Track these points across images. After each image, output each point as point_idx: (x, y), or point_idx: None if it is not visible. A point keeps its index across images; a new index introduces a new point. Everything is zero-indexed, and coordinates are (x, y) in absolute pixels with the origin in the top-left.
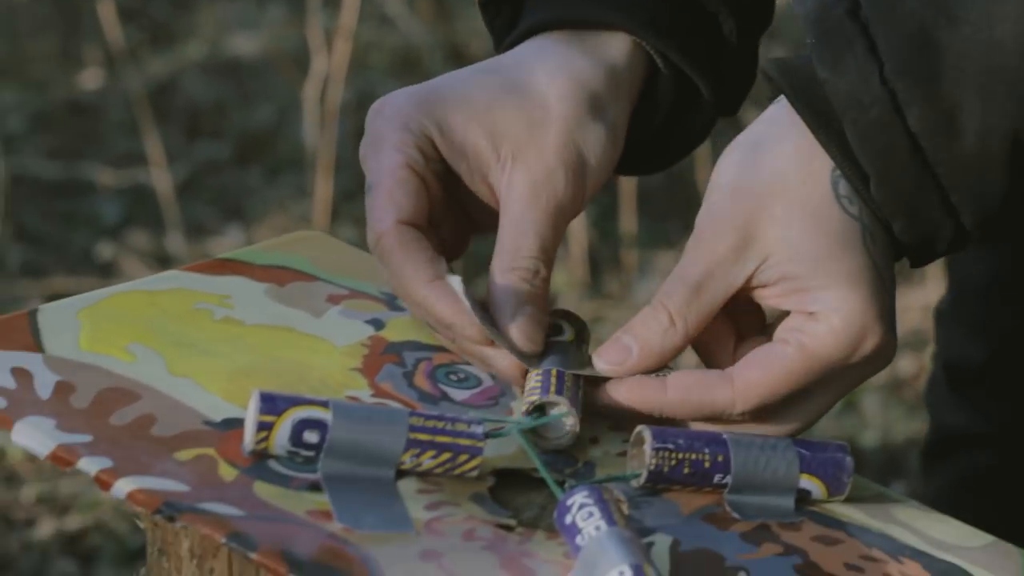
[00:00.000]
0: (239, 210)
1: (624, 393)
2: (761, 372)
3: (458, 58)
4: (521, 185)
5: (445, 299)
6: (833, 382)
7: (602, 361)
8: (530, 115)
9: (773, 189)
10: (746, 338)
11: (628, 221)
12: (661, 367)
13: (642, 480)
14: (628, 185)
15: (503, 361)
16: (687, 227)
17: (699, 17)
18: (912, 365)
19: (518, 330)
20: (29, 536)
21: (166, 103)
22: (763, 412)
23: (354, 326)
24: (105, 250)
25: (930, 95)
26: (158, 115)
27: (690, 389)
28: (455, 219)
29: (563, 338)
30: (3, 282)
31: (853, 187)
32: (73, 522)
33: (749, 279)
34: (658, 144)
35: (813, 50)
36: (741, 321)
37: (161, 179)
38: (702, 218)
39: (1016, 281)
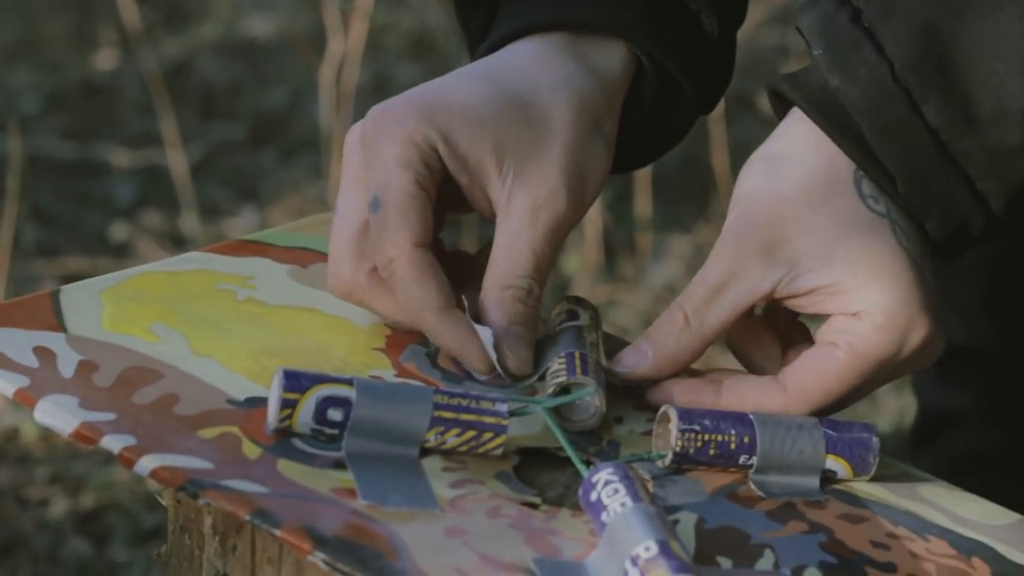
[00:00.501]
0: (254, 191)
1: (678, 397)
2: (814, 376)
3: None
4: (521, 202)
5: (455, 330)
6: (882, 377)
7: (619, 366)
8: (534, 131)
9: (797, 196)
10: (792, 347)
11: (643, 205)
12: (680, 369)
13: (667, 461)
14: (643, 169)
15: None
16: (701, 211)
17: (682, 16)
18: None
19: (509, 351)
20: (43, 515)
21: (181, 84)
22: (815, 412)
23: None
24: (119, 231)
25: (943, 87)
26: (173, 96)
27: (744, 394)
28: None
29: (579, 323)
30: (18, 262)
31: (879, 187)
32: (87, 501)
33: (776, 286)
34: (635, 142)
35: (822, 60)
36: (786, 333)
37: (176, 160)
38: (727, 228)
39: (996, 260)
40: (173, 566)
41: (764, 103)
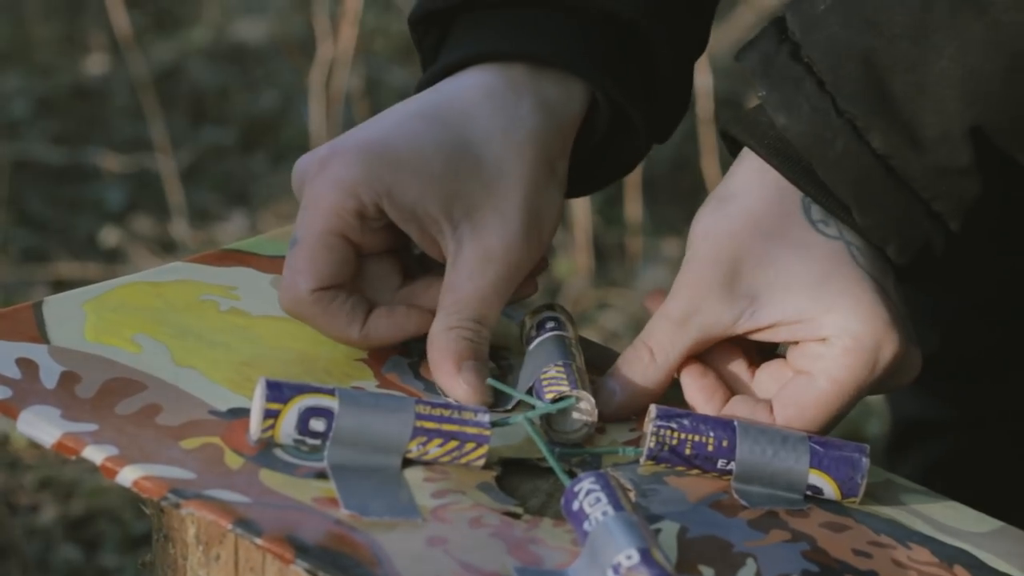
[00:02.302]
0: (244, 196)
1: None
2: (798, 410)
3: None
4: (471, 252)
5: (379, 346)
6: (862, 394)
7: (590, 405)
8: (487, 180)
9: (751, 231)
10: (761, 361)
11: (633, 208)
12: (648, 403)
13: (643, 458)
14: (633, 173)
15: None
16: (692, 214)
17: (638, 49)
18: None
19: (462, 383)
20: (33, 521)
21: (171, 88)
22: None
23: None
24: (109, 235)
25: (887, 114)
26: (163, 100)
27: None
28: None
29: (567, 334)
30: (7, 267)
31: (835, 215)
32: (77, 507)
33: (738, 321)
34: (588, 168)
35: (766, 100)
36: (753, 347)
37: (166, 164)
38: (685, 264)
39: (964, 266)
40: (158, 575)
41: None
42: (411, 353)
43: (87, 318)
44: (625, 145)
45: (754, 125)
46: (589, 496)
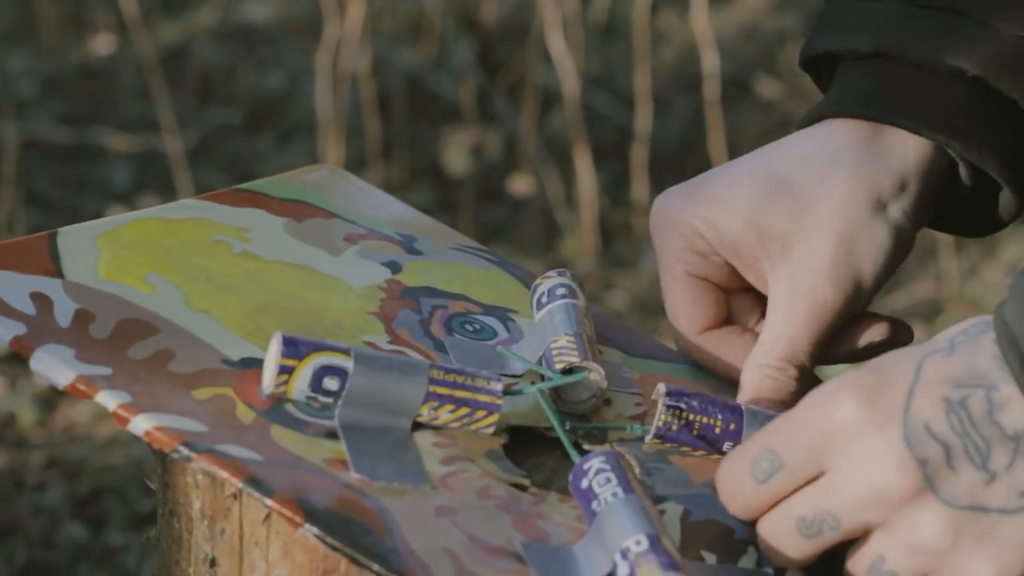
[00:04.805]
0: (250, 176)
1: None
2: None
3: (470, 26)
4: (782, 286)
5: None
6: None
7: (599, 376)
8: (798, 211)
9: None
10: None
11: (639, 189)
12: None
13: (650, 436)
14: (639, 153)
15: None
16: None
17: (1002, 105)
18: (922, 335)
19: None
20: (39, 500)
21: (178, 68)
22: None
23: (371, 268)
24: (116, 215)
25: None
26: (170, 80)
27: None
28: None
29: (578, 302)
30: None
31: None
32: (83, 486)
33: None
34: (966, 218)
35: None
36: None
37: (172, 144)
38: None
39: None
40: (163, 550)
41: (761, 88)
42: (421, 310)
43: (101, 254)
44: (992, 197)
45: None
46: (599, 476)
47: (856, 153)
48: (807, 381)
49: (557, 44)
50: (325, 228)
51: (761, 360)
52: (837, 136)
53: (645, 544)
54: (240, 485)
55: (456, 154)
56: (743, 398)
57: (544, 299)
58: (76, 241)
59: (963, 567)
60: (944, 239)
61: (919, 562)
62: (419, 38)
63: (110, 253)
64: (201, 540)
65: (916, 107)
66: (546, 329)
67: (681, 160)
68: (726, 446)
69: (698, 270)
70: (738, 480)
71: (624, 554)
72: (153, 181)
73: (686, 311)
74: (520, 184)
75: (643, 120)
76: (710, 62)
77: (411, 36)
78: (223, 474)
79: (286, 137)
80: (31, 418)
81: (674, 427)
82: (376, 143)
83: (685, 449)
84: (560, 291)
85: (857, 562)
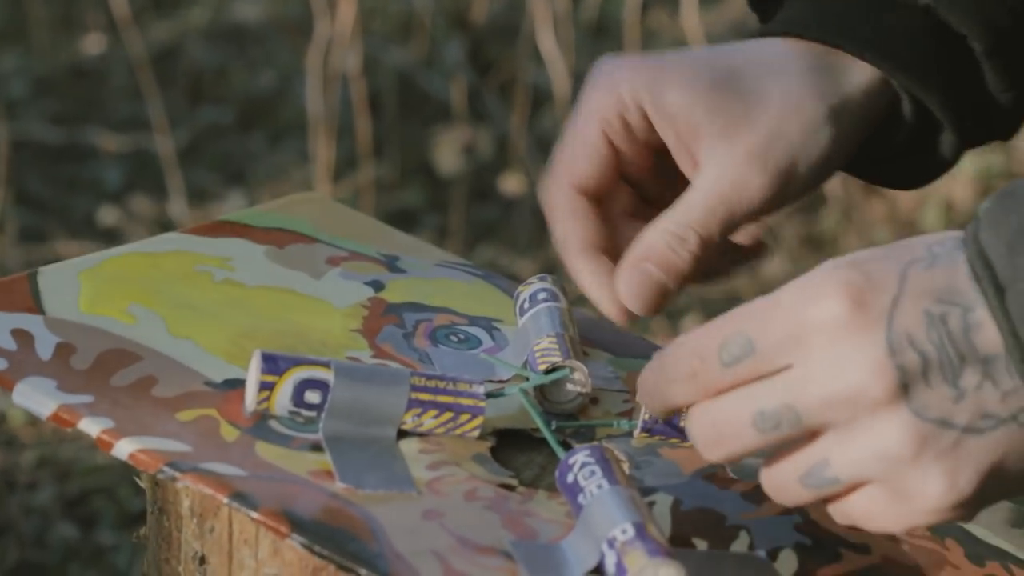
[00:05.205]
0: (241, 175)
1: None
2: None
3: (461, 25)
4: (715, 164)
5: (590, 275)
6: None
7: (583, 375)
8: (749, 103)
9: None
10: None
11: None
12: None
13: (637, 431)
14: None
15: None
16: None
17: (952, 43)
18: None
19: (626, 282)
20: (30, 500)
21: (169, 68)
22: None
23: (354, 287)
24: (107, 215)
25: None
26: (161, 80)
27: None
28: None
29: (560, 305)
30: (6, 247)
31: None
32: (74, 486)
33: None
34: (903, 162)
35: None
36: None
37: (163, 144)
38: None
39: None
40: (152, 548)
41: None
42: (405, 324)
43: (82, 288)
44: (936, 138)
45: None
46: (584, 469)
47: (808, 64)
48: (694, 271)
49: (548, 43)
50: (307, 252)
51: (667, 224)
52: (789, 48)
53: (631, 532)
54: (226, 501)
55: (447, 153)
56: (632, 256)
57: (527, 305)
58: (57, 278)
59: (917, 479)
60: (930, 226)
61: (868, 469)
62: (410, 37)
63: (91, 287)
64: (190, 538)
65: (862, 32)
66: (529, 333)
67: None
68: None
69: (615, 137)
70: (702, 359)
71: (611, 543)
72: (144, 181)
73: (579, 165)
74: (511, 183)
75: None
76: None
77: (402, 35)
78: (208, 491)
79: (277, 136)
80: (22, 418)
81: (660, 421)
82: (367, 142)
83: (674, 441)
84: (542, 295)
85: (791, 465)
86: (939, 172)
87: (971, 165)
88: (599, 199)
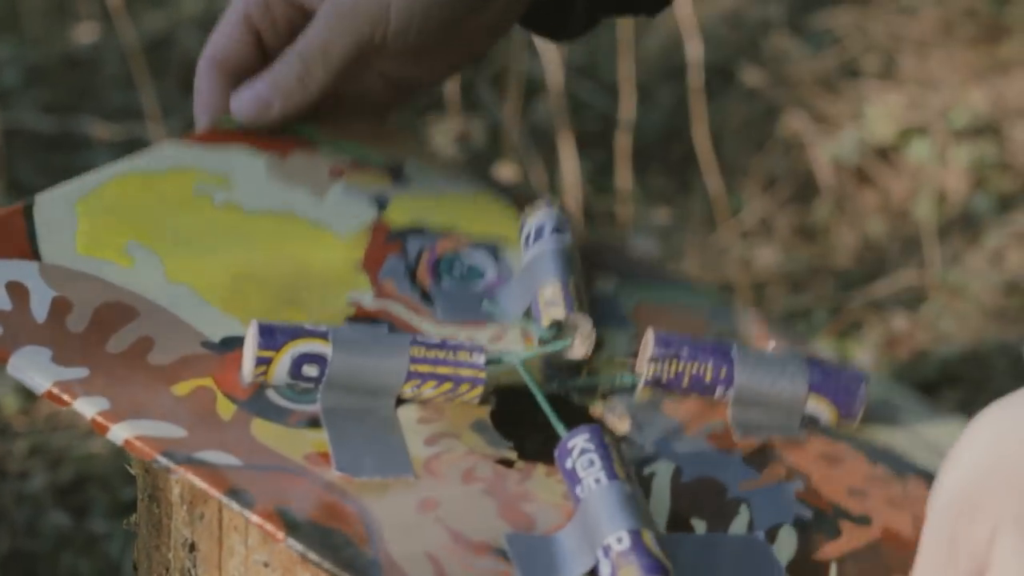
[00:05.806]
0: None
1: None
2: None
3: None
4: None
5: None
6: None
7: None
8: None
9: None
10: None
11: (623, 177)
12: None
13: (639, 389)
14: (623, 141)
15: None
16: (682, 184)
17: None
18: (905, 323)
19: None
20: (22, 488)
21: (162, 57)
22: None
23: (357, 207)
24: None
25: None
26: (154, 69)
27: None
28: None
29: (566, 241)
30: None
31: None
32: (66, 474)
33: None
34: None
35: None
36: None
37: (157, 133)
38: None
39: None
40: (143, 535)
41: (745, 76)
42: (408, 253)
43: (79, 223)
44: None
45: None
46: (583, 457)
47: None
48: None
49: None
50: (309, 163)
51: (294, 48)
52: None
53: (627, 542)
54: (221, 498)
55: (441, 142)
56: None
57: (532, 237)
58: (53, 211)
59: None
60: (926, 227)
61: None
62: None
63: (88, 222)
64: (180, 525)
65: None
66: (534, 277)
67: (665, 148)
68: (718, 391)
69: (255, 13)
70: None
71: (606, 551)
72: None
73: (216, 40)
74: (505, 172)
75: (627, 108)
76: (694, 51)
77: None
78: (203, 485)
79: None
80: (14, 406)
81: (664, 379)
82: None
83: (677, 395)
84: (547, 230)
85: None
86: (580, 31)
87: (964, 155)
88: (239, 75)
